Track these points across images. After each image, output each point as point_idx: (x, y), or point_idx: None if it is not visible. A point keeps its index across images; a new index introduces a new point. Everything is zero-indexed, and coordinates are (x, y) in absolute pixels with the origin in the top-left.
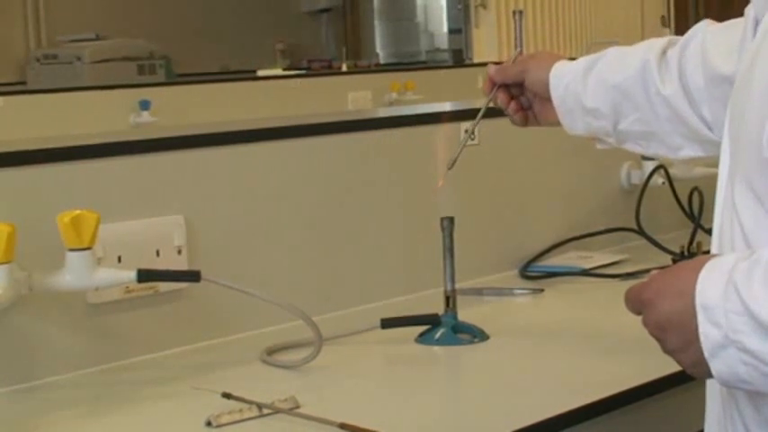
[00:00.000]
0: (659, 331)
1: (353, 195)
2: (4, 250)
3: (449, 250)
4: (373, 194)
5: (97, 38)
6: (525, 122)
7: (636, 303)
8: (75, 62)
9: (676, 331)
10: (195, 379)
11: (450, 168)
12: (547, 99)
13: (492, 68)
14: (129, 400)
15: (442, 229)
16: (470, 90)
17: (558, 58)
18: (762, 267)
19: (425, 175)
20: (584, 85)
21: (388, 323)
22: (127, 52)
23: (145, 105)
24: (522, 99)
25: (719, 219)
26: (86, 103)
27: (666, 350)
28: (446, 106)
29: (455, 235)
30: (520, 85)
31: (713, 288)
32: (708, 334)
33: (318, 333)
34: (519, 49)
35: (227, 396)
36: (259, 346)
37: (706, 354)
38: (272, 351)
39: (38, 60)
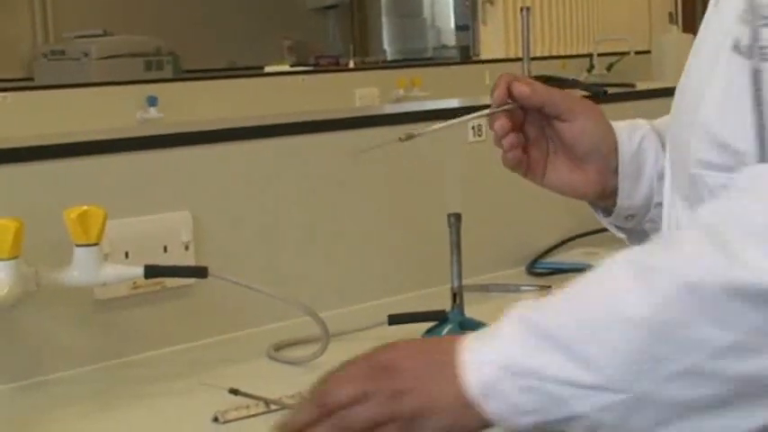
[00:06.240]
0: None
1: (361, 192)
2: (12, 246)
3: (456, 247)
4: (381, 191)
5: (104, 34)
6: (518, 166)
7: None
8: (82, 58)
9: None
10: (202, 375)
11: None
12: (570, 155)
13: (524, 88)
14: (136, 396)
15: (449, 225)
16: (477, 86)
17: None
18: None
19: (433, 172)
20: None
21: (395, 319)
22: (134, 48)
23: (152, 101)
24: (520, 135)
25: (666, 231)
26: (94, 99)
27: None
28: (453, 103)
29: (462, 232)
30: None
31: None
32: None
33: (325, 329)
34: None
35: (234, 392)
36: (266, 343)
37: (477, 394)
38: (279, 347)
39: (45, 56)
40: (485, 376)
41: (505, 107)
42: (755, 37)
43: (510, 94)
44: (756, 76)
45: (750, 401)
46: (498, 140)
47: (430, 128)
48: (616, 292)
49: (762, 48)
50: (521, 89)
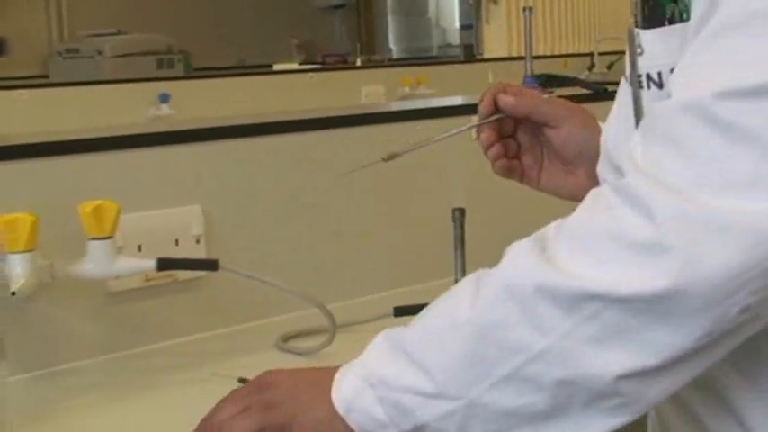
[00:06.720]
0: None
1: (368, 186)
2: (28, 239)
3: (459, 241)
4: (387, 185)
5: (118, 33)
6: (510, 173)
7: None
8: (96, 56)
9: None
10: (212, 365)
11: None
12: (563, 159)
13: (509, 98)
14: (148, 385)
15: (454, 220)
16: (481, 84)
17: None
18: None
19: (438, 167)
20: None
21: (400, 311)
22: (146, 47)
23: (164, 98)
24: (511, 142)
25: None
26: (107, 96)
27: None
28: (457, 100)
29: (466, 226)
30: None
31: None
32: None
33: (333, 320)
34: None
35: (243, 382)
36: (275, 334)
37: (342, 407)
38: (287, 338)
39: (60, 54)
40: (348, 389)
41: (493, 118)
42: (633, 65)
43: (496, 105)
44: (636, 103)
45: (577, 411)
46: (485, 151)
47: (413, 146)
48: (454, 301)
49: (639, 76)
50: (506, 100)
